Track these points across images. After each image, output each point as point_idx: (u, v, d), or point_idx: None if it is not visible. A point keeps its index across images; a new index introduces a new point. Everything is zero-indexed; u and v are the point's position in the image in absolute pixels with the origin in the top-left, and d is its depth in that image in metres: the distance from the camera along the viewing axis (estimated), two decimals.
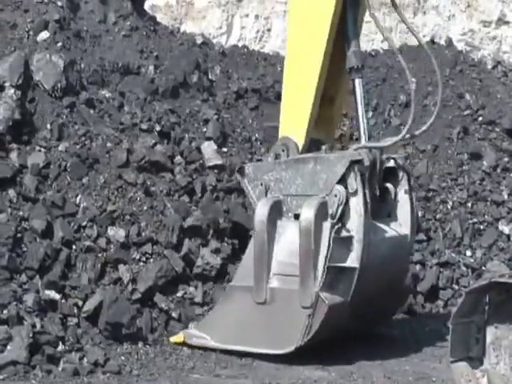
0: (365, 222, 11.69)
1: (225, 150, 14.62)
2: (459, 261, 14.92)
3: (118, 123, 14.13)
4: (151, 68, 15.28)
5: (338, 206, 11.62)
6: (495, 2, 23.74)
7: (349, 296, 11.60)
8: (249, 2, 25.60)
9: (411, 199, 12.69)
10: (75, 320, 11.09)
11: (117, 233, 12.46)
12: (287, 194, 12.19)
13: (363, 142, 12.45)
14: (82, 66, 14.32)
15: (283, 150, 12.43)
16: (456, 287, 14.60)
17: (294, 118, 12.73)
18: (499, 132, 17.33)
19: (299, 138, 12.54)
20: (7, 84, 13.06)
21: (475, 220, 15.70)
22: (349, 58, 12.40)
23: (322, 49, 12.20)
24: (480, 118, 17.57)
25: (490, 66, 19.47)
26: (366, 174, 11.85)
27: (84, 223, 12.37)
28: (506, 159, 16.86)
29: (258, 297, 11.76)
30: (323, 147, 12.17)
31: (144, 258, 12.46)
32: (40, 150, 12.86)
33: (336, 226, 11.60)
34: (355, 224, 11.70)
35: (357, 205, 11.65)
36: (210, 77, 16.06)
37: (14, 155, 12.58)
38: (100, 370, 10.40)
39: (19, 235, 11.59)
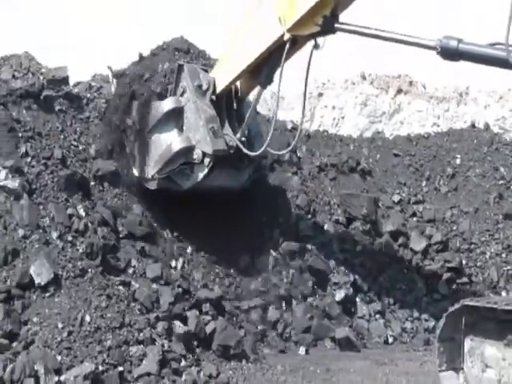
0: (202, 180, 12.43)
1: (309, 216, 14.73)
2: None
3: None
4: None
5: (194, 160, 12.40)
6: None
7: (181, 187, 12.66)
8: (327, 96, 25.88)
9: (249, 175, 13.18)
10: (195, 343, 11.18)
11: None
12: (185, 114, 12.61)
13: (238, 136, 12.51)
14: None
15: (206, 84, 12.60)
16: None
17: (225, 72, 12.62)
18: None
19: (220, 85, 12.63)
20: None
21: (509, 267, 15.45)
22: (261, 74, 12.12)
23: (260, 49, 11.86)
24: None
25: None
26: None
27: None
28: None
29: None
30: (213, 125, 12.34)
31: None
32: None
33: (186, 166, 12.46)
34: (198, 172, 12.43)
35: (202, 171, 12.43)
36: (298, 154, 16.19)
37: None
38: (213, 381, 10.45)
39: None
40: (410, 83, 25.17)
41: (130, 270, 11.76)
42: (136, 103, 13.02)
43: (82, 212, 11.82)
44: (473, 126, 20.05)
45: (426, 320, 14.00)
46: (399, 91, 25.07)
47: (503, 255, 15.63)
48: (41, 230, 11.20)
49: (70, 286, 10.69)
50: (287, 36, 11.32)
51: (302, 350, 12.41)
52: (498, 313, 8.86)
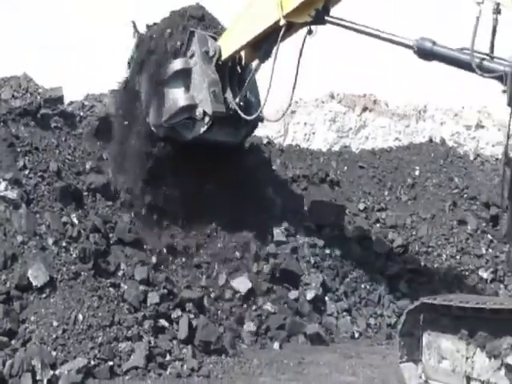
0: (202, 134, 12.91)
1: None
2: None
3: None
4: None
5: (196, 116, 12.87)
6: (474, 113, 23.76)
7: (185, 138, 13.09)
8: (299, 113, 25.89)
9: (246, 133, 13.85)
10: (178, 339, 11.15)
11: None
12: (192, 75, 12.98)
13: (237, 100, 12.97)
14: None
15: (213, 51, 13.00)
16: None
17: (230, 42, 13.00)
18: (479, 205, 17.20)
19: (225, 53, 13.02)
20: None
21: (462, 268, 15.52)
22: (260, 50, 12.59)
23: (259, 28, 12.24)
24: (465, 195, 17.45)
25: (471, 158, 19.41)
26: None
27: None
28: (484, 224, 16.71)
29: None
30: (214, 89, 12.75)
31: None
32: None
33: (189, 120, 12.95)
34: (199, 127, 12.91)
35: (202, 127, 12.89)
36: (272, 167, 16.21)
37: None
38: (195, 374, 10.47)
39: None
40: (374, 102, 25.24)
41: (120, 273, 11.71)
42: (153, 58, 13.40)
43: (75, 220, 11.81)
44: (430, 140, 20.16)
45: (389, 316, 14.01)
46: (364, 109, 25.11)
47: (457, 257, 15.70)
48: (38, 237, 11.20)
49: (64, 288, 10.70)
50: (283, 21, 11.75)
51: (276, 345, 12.39)
52: (452, 309, 9.00)
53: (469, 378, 9.00)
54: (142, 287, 11.53)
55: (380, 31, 10.91)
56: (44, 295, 10.49)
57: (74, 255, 11.21)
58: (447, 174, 17.95)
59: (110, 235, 12.18)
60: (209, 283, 12.73)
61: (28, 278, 10.50)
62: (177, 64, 13.14)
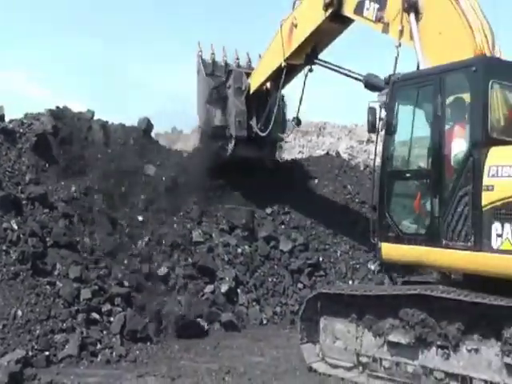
0: (232, 152, 15.17)
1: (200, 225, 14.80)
2: None
3: None
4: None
5: (226, 135, 15.23)
6: (365, 130, 24.36)
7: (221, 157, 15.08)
8: None
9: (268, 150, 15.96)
10: (108, 329, 11.09)
11: None
12: (228, 102, 15.27)
13: (258, 125, 14.94)
14: None
15: (245, 87, 15.06)
16: None
17: (255, 79, 14.94)
18: (367, 208, 17.46)
19: (252, 87, 15.08)
20: None
21: (354, 262, 15.72)
22: (274, 86, 14.50)
23: (271, 69, 14.12)
24: (356, 200, 17.70)
25: (362, 168, 19.67)
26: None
27: None
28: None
29: None
30: (239, 119, 14.88)
31: None
32: None
33: (223, 141, 15.25)
34: (229, 147, 15.23)
35: (230, 145, 15.17)
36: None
37: None
38: (123, 360, 10.46)
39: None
40: None
41: (56, 272, 11.49)
42: (209, 77, 15.82)
43: (15, 226, 11.55)
44: (327, 153, 20.41)
45: (292, 305, 14.17)
46: None
47: (350, 253, 15.90)
48: None
49: (4, 287, 10.49)
50: (283, 64, 13.52)
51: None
52: (344, 297, 9.31)
53: (358, 355, 9.38)
54: (75, 284, 11.36)
55: (349, 71, 12.51)
56: None
57: (14, 257, 10.98)
58: (341, 182, 18.12)
59: (47, 239, 11.94)
60: (135, 280, 12.61)
61: None
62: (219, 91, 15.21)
